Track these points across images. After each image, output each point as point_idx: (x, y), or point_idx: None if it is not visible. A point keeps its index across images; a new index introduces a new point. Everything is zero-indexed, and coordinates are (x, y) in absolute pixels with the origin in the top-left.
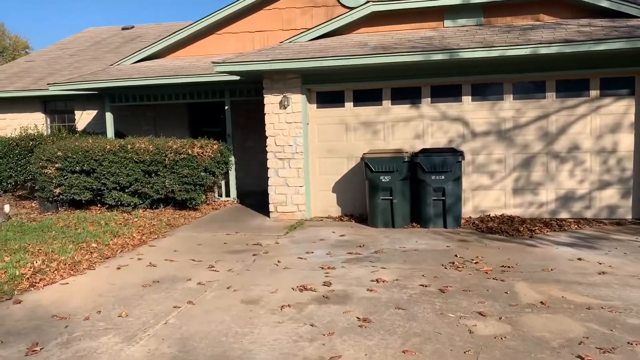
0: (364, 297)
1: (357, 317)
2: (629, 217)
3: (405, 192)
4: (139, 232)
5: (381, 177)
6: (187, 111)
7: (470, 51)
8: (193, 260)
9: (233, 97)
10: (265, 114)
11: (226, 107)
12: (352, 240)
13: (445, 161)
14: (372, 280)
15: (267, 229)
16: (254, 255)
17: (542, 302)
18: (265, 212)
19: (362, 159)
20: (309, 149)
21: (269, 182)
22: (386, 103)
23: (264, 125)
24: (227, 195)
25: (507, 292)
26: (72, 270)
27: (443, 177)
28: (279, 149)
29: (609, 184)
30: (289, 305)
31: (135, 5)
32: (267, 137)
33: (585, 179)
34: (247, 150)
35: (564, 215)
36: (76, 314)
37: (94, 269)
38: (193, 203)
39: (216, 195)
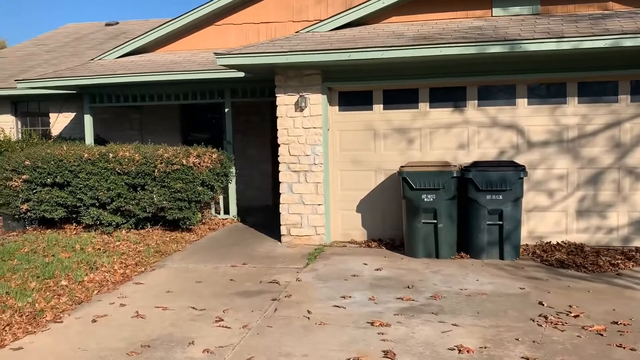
0: None
1: None
2: None
3: (453, 215)
4: (121, 262)
5: (423, 196)
6: (179, 115)
7: (537, 43)
8: (194, 308)
9: (235, 97)
10: (277, 117)
11: (226, 110)
12: (394, 277)
13: (504, 178)
14: (451, 349)
15: (280, 258)
16: (273, 300)
17: None
18: (274, 234)
19: (400, 173)
20: (329, 160)
21: (281, 199)
22: (423, 106)
23: (266, 130)
24: (226, 212)
25: None
26: (30, 324)
27: (501, 197)
28: (293, 160)
29: None
30: None
31: (123, 3)
32: (278, 146)
33: None
34: (247, 159)
35: (638, 243)
36: None
37: (61, 322)
38: (187, 223)
39: (213, 212)
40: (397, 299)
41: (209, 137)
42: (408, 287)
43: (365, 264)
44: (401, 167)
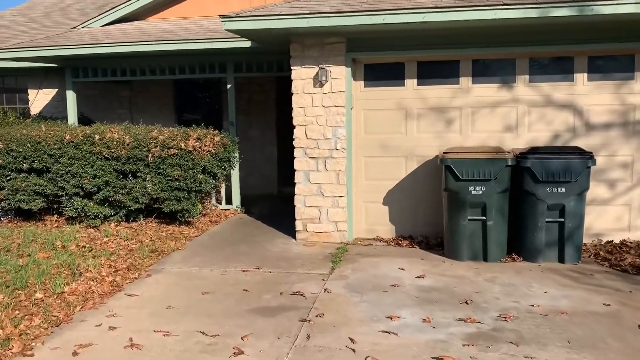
0: None
1: None
2: None
3: (504, 210)
4: (110, 265)
5: (471, 188)
6: (174, 92)
7: (615, 4)
8: (204, 333)
9: (238, 72)
10: (292, 93)
11: (228, 86)
12: (443, 288)
13: (568, 167)
14: None
15: (298, 260)
16: (302, 321)
17: None
18: (286, 229)
19: (442, 160)
20: (353, 145)
21: (296, 190)
22: (465, 81)
23: (270, 110)
24: (229, 202)
25: None
26: None
27: (563, 190)
28: (310, 144)
29: None
30: None
31: None
32: (294, 127)
33: None
34: (249, 142)
35: None
36: None
37: (32, 355)
38: (186, 216)
39: (214, 201)
40: (458, 320)
41: (205, 118)
42: (466, 302)
43: (402, 269)
44: (444, 152)
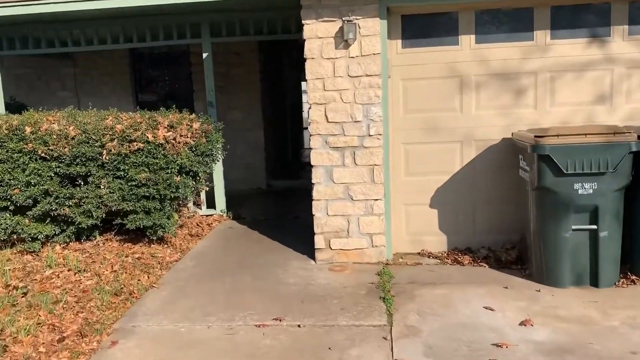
0: None
1: None
2: None
3: (620, 215)
4: (51, 326)
5: (577, 185)
6: (132, 68)
7: None
8: None
9: (216, 36)
10: (305, 59)
11: (204, 55)
12: (574, 347)
13: None
14: None
15: (333, 297)
16: None
17: None
18: (296, 242)
19: (535, 147)
20: (390, 129)
21: (314, 193)
22: (541, 36)
23: (255, 86)
24: (211, 205)
25: None
26: None
27: None
28: (333, 130)
29: None
30: None
31: None
32: (309, 106)
33: None
34: (229, 127)
35: None
36: None
37: None
38: (159, 232)
39: (191, 206)
40: None
41: (171, 99)
42: None
43: (490, 309)
44: (537, 136)
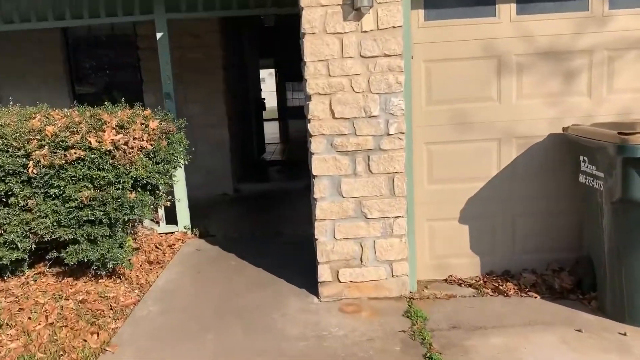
0: None
1: None
2: None
3: None
4: None
5: None
6: (65, 54)
7: None
8: None
9: (173, 11)
10: (304, 34)
11: (158, 36)
12: None
13: None
14: None
15: (355, 356)
16: None
17: None
18: (287, 268)
19: (622, 147)
20: (412, 124)
21: (317, 212)
22: (597, 4)
23: (216, 74)
24: (172, 220)
25: None
26: None
27: None
28: (342, 128)
29: None
30: None
31: None
32: (308, 97)
33: None
34: (187, 122)
35: None
36: None
37: None
38: (109, 266)
39: (147, 222)
40: None
41: (116, 90)
42: None
43: None
44: (622, 134)
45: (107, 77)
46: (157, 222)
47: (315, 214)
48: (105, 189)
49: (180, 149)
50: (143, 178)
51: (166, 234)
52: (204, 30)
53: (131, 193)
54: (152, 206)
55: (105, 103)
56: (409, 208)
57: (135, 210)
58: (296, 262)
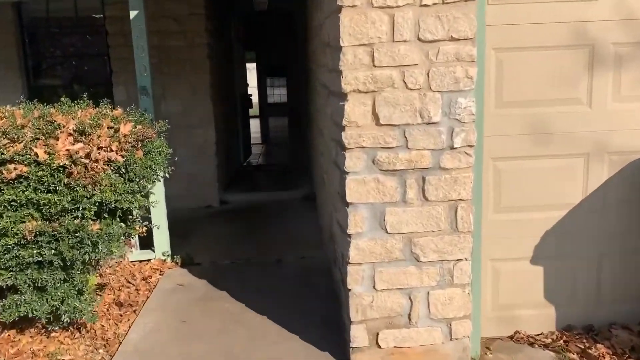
0: None
1: None
2: None
3: None
4: None
5: None
6: (19, 37)
7: None
8: None
9: None
10: (340, 8)
11: (133, 15)
12: None
13: None
14: None
15: None
16: None
17: None
18: (296, 315)
19: None
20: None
21: (351, 253)
22: None
23: (200, 65)
24: (147, 244)
25: None
26: None
27: None
28: (388, 138)
29: None
30: None
31: None
32: (342, 96)
33: None
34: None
35: None
36: None
37: None
38: (63, 319)
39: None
40: None
41: (81, 83)
42: None
43: None
44: None
45: (70, 67)
46: (130, 248)
47: (350, 255)
48: (57, 218)
49: (160, 160)
50: (110, 201)
51: (140, 261)
52: (187, 12)
53: (94, 223)
54: (123, 237)
55: (62, 99)
56: (475, 247)
57: (100, 246)
58: (309, 304)
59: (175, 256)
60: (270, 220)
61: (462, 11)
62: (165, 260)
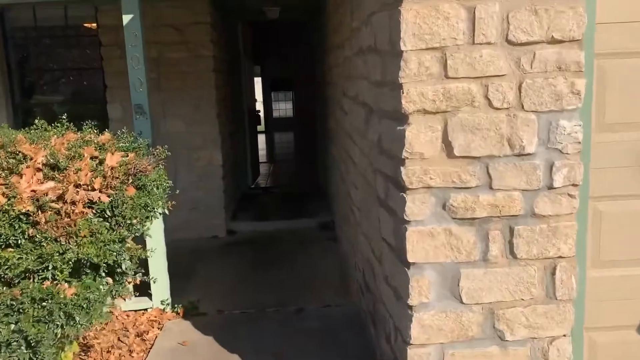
0: None
1: None
2: None
3: None
4: None
5: None
6: (5, 51)
7: None
8: None
9: None
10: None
11: (126, 20)
12: None
13: None
14: None
15: None
16: None
17: None
18: None
19: None
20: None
21: (413, 331)
22: None
23: (204, 79)
24: (143, 291)
25: None
26: None
27: None
28: (464, 175)
29: None
30: None
31: None
32: (403, 118)
33: None
34: (165, 142)
35: None
36: None
37: None
38: None
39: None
40: None
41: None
42: None
43: None
44: None
45: (60, 83)
46: (124, 298)
47: (409, 334)
48: (18, 282)
49: (159, 194)
50: (91, 256)
51: (135, 311)
52: (190, 21)
53: (69, 287)
54: (110, 297)
55: (36, 122)
56: (578, 317)
57: (77, 317)
58: None
59: (176, 305)
60: (284, 255)
61: (568, 4)
62: (164, 309)
